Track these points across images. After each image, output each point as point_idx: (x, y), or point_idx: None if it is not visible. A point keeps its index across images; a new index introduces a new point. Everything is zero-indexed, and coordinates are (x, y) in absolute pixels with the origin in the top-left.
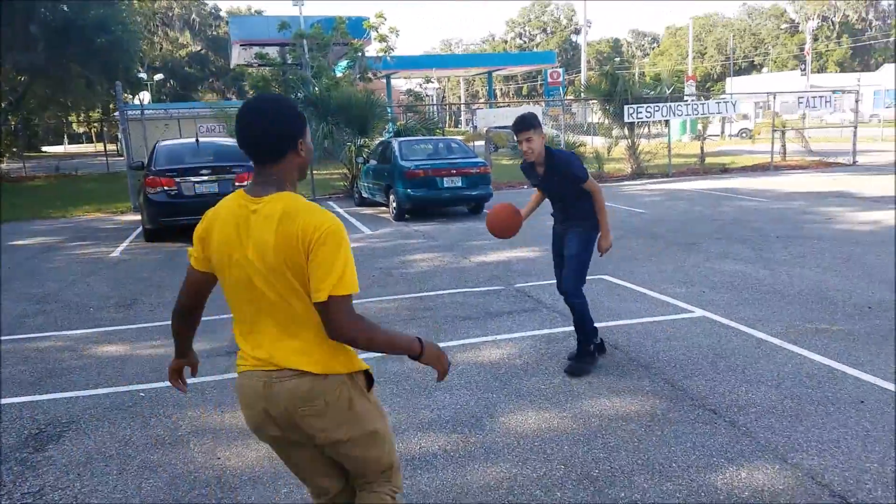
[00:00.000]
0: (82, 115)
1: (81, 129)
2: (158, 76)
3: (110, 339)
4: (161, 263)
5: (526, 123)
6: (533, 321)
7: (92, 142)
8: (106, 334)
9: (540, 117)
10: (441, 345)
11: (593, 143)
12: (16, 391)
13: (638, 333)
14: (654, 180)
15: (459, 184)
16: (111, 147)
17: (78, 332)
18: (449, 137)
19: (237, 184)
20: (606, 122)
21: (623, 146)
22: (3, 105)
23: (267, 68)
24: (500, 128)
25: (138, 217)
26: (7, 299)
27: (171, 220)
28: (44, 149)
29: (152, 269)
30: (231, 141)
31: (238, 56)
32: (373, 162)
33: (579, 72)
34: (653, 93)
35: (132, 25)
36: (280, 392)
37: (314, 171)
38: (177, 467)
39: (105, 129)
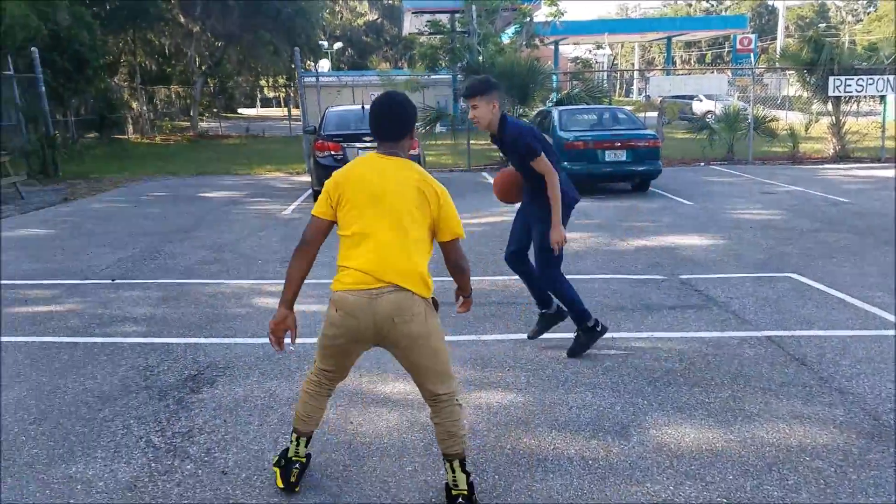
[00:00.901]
0: (270, 80)
1: (271, 94)
2: (338, 44)
3: (272, 292)
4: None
5: (472, 90)
6: (699, 320)
7: (280, 106)
8: (269, 287)
9: (725, 87)
10: None
11: (787, 119)
12: (184, 332)
13: (832, 349)
14: (862, 165)
15: (624, 158)
16: (295, 112)
17: (246, 282)
18: (616, 107)
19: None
20: (805, 95)
21: (825, 124)
22: (203, 68)
23: (436, 37)
24: (676, 97)
25: (309, 178)
26: (191, 246)
27: None
28: (240, 111)
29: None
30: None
31: (410, 24)
32: None
33: (774, 38)
34: (866, 63)
35: None
36: (384, 303)
37: (470, 141)
38: None
39: (289, 94)
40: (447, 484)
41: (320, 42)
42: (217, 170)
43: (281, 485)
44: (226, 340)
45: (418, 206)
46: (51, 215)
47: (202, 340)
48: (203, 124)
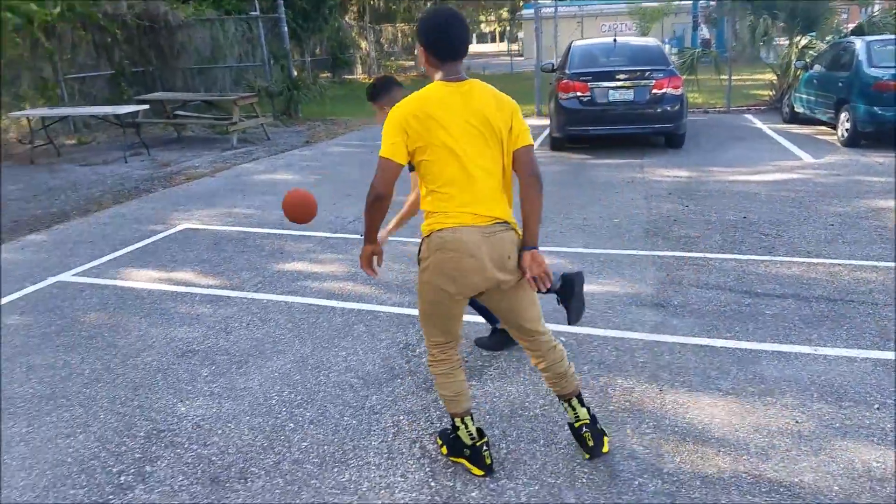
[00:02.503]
0: (493, 14)
1: (487, 30)
2: None
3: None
4: (565, 176)
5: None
6: None
7: (495, 41)
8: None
9: None
10: None
11: None
12: None
13: None
14: None
15: None
16: (513, 47)
17: None
18: None
19: (654, 91)
20: None
21: None
22: (428, 3)
23: None
24: None
25: (541, 122)
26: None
27: (580, 128)
28: None
29: (558, 183)
30: (648, 41)
31: None
32: (818, 68)
33: None
34: None
35: None
36: (499, 241)
37: (732, 77)
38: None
39: (509, 28)
40: (569, 423)
41: None
42: None
43: (479, 472)
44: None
45: (503, 129)
46: (295, 159)
47: (469, 318)
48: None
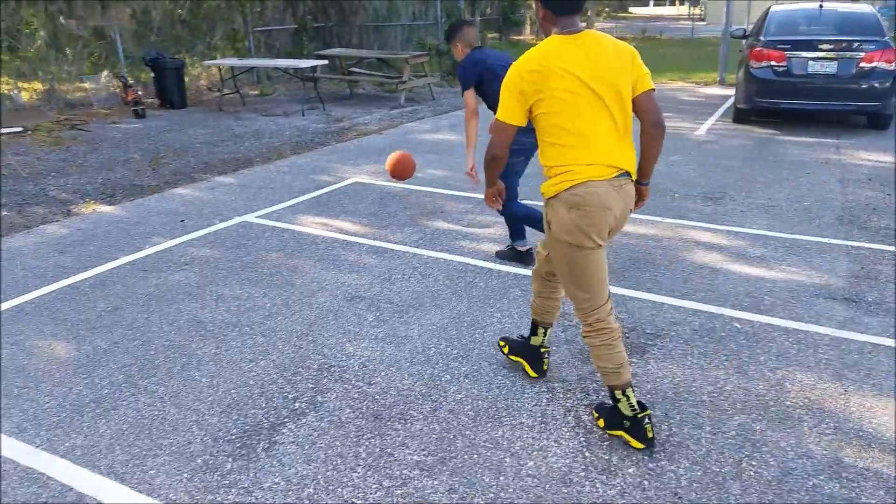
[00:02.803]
0: None
1: None
2: None
3: (698, 242)
4: (749, 151)
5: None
6: None
7: (673, 4)
8: (693, 233)
9: None
10: None
11: None
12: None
13: None
14: None
15: None
16: (695, 11)
17: (663, 220)
18: None
19: (862, 65)
20: None
21: None
22: None
23: None
24: None
25: (723, 91)
26: None
27: (770, 101)
28: (631, 10)
29: (741, 158)
30: (863, 7)
31: None
32: None
33: None
34: None
35: None
36: (626, 193)
37: None
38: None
39: None
40: (533, 344)
41: None
42: None
43: (640, 444)
44: (651, 297)
45: (628, 77)
46: (457, 120)
47: (623, 291)
48: (598, 24)
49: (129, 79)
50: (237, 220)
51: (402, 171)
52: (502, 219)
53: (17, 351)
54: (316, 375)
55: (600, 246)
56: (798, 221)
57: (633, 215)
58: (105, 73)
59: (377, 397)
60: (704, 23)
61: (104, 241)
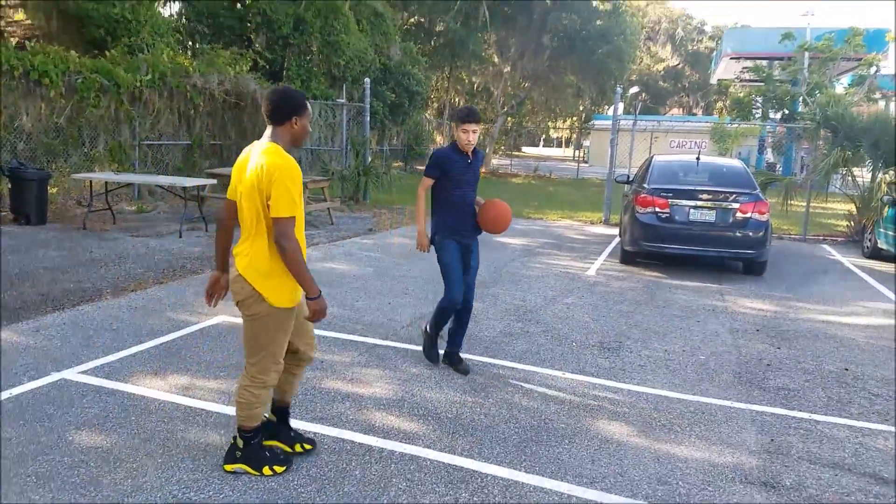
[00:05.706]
0: (565, 120)
1: (555, 135)
2: (634, 89)
3: (600, 403)
4: (639, 294)
5: (477, 116)
6: None
7: (561, 146)
8: (595, 390)
9: None
10: None
11: None
12: (497, 455)
13: None
14: None
15: None
16: (580, 154)
17: (561, 374)
18: None
19: (738, 215)
20: None
21: None
22: (505, 108)
23: (751, 84)
24: None
25: (608, 231)
26: (493, 307)
27: (655, 245)
28: (523, 149)
29: (633, 302)
30: (733, 162)
31: (724, 70)
32: None
33: None
34: None
35: (631, 36)
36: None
37: (810, 204)
38: None
39: (574, 136)
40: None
41: (617, 86)
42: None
43: None
44: (555, 485)
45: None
46: (356, 248)
47: (523, 478)
48: (494, 161)
49: None
50: (54, 377)
51: (502, 222)
52: (391, 371)
53: None
54: None
55: None
56: (698, 380)
57: (532, 367)
58: None
59: None
60: (588, 164)
61: None
